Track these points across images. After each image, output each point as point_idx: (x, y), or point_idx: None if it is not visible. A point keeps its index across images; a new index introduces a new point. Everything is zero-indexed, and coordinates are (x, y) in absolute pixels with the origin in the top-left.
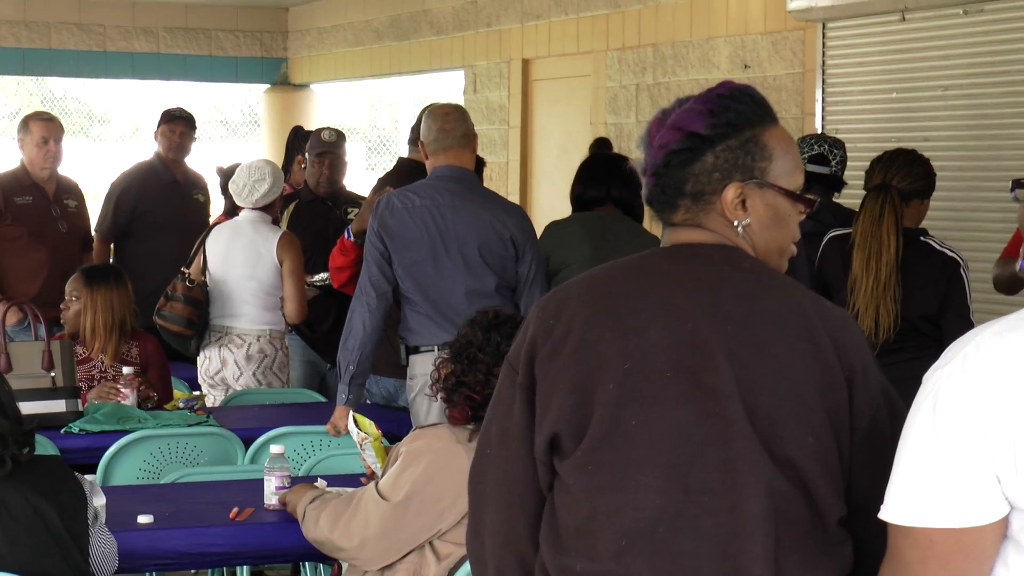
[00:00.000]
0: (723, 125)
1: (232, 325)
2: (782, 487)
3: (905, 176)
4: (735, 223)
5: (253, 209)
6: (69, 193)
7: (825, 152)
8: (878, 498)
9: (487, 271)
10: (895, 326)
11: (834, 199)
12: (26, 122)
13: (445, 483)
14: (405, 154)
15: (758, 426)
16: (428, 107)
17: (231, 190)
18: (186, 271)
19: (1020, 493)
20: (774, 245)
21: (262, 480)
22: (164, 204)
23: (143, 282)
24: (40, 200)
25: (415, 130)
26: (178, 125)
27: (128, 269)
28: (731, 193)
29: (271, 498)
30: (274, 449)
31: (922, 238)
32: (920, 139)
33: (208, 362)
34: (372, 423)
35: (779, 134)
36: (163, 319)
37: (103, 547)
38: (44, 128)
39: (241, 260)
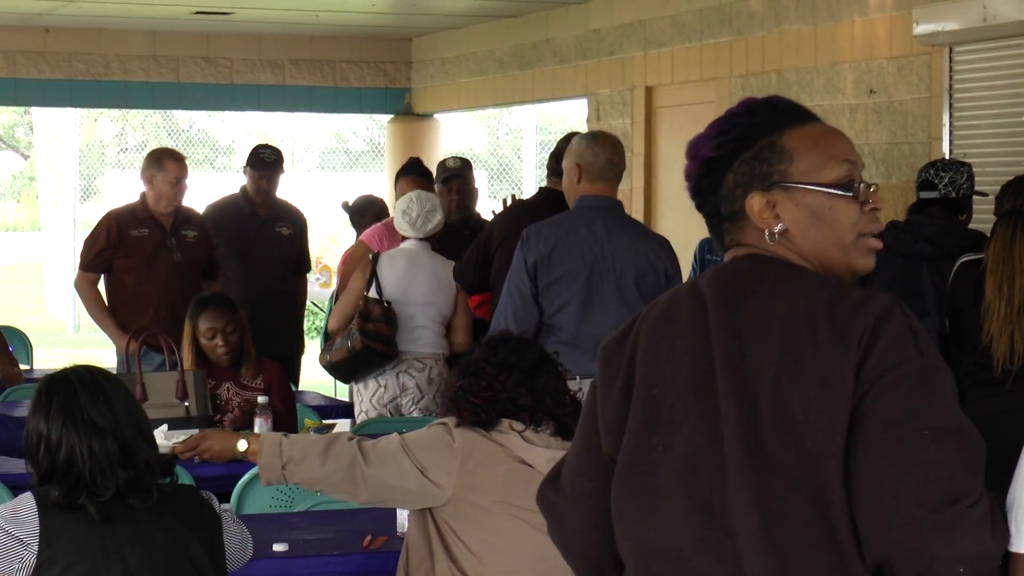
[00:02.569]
0: (731, 141)
1: (411, 349)
2: (795, 506)
3: None
4: (767, 233)
5: (420, 240)
6: (189, 223)
7: (931, 177)
8: (908, 503)
9: (640, 303)
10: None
11: (962, 220)
12: (160, 159)
13: (447, 461)
14: (530, 183)
15: (770, 444)
16: (585, 134)
17: (402, 220)
18: (369, 295)
19: None
20: (823, 243)
21: (393, 509)
22: (241, 237)
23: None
24: (156, 232)
25: (557, 158)
26: (266, 171)
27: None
28: (754, 204)
29: (403, 526)
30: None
31: None
32: None
33: (382, 389)
34: None
35: (803, 133)
36: (368, 337)
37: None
38: (178, 168)
39: (423, 286)
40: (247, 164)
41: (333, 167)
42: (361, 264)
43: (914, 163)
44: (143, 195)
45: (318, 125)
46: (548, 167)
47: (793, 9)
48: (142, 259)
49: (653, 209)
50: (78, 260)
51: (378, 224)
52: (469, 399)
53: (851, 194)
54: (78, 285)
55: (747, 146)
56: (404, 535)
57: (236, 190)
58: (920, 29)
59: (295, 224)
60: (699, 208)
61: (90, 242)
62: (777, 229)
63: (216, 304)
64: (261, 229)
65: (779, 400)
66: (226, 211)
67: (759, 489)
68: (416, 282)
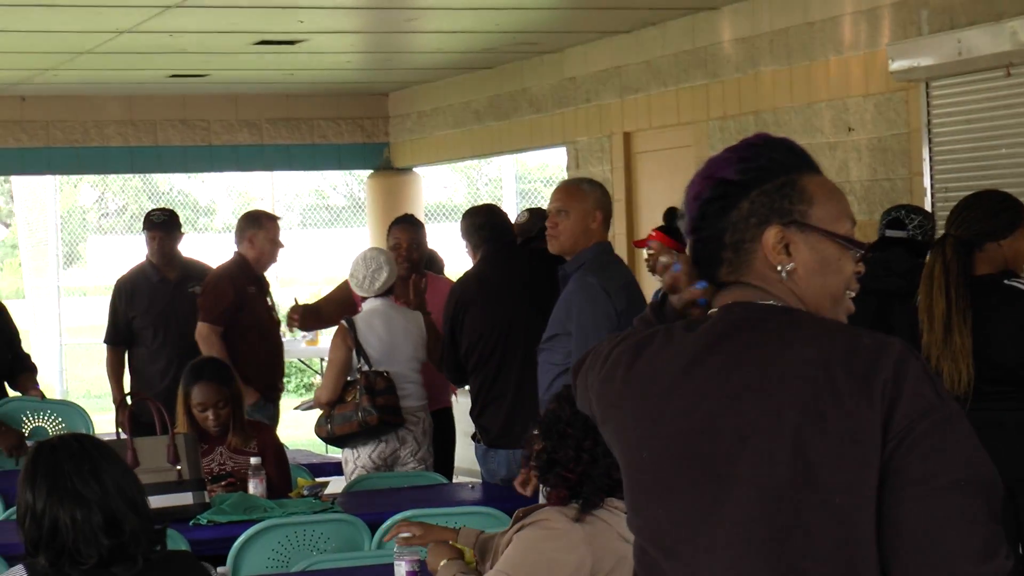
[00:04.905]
0: (755, 169)
1: (404, 406)
2: (817, 568)
3: (963, 221)
4: (779, 268)
5: (377, 297)
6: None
7: (901, 217)
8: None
9: None
10: (969, 379)
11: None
12: (259, 220)
13: (572, 566)
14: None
15: (772, 505)
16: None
17: (352, 283)
18: (362, 367)
19: None
20: (824, 292)
21: (391, 565)
22: (152, 304)
23: (152, 383)
24: (260, 290)
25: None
26: (156, 232)
27: (135, 372)
28: (772, 236)
29: None
30: (402, 534)
31: (1007, 281)
32: None
33: (383, 445)
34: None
35: (820, 181)
36: (383, 412)
37: None
38: (277, 228)
39: (405, 345)
40: (143, 229)
41: (315, 224)
42: (338, 332)
43: (895, 199)
44: (240, 255)
45: (298, 182)
46: (483, 233)
47: (768, 51)
48: (258, 317)
49: (636, 253)
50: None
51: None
52: (561, 473)
53: (861, 252)
54: (207, 339)
55: (769, 178)
56: None
57: (143, 259)
58: (896, 65)
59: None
60: (692, 232)
61: (213, 297)
62: (789, 267)
63: (209, 378)
64: (174, 293)
65: (804, 458)
66: (137, 282)
67: (777, 552)
68: (397, 343)
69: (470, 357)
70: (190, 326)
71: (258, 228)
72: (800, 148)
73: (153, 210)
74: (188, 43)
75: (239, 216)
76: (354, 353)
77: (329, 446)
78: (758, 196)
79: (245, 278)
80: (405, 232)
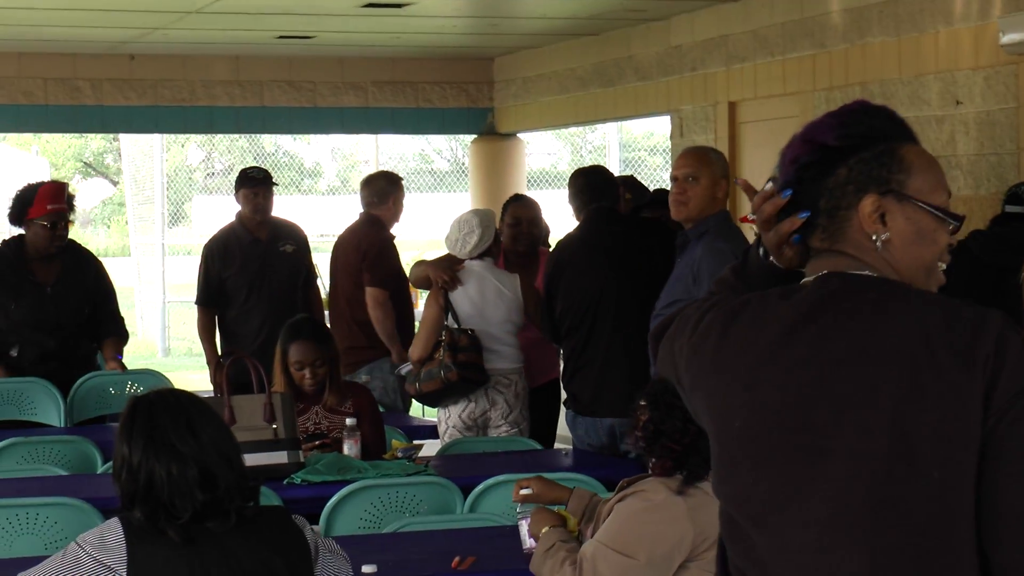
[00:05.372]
0: (855, 136)
1: (495, 367)
2: (914, 543)
3: None
4: (873, 237)
5: (473, 259)
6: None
7: (1021, 192)
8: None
9: None
10: None
11: None
12: (398, 182)
13: (674, 539)
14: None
15: (868, 478)
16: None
17: (447, 245)
18: (449, 324)
19: None
20: (919, 263)
21: (482, 528)
22: (246, 265)
23: (245, 343)
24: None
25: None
26: (259, 188)
27: (228, 332)
28: (868, 205)
29: (527, 542)
30: (523, 491)
31: None
32: None
33: (473, 404)
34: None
35: (919, 151)
36: (463, 369)
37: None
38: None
39: (497, 307)
40: (238, 188)
41: (419, 188)
42: (432, 292)
43: (1002, 174)
44: (378, 216)
45: (403, 146)
46: (618, 192)
47: (876, 21)
48: (405, 280)
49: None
50: (369, 277)
51: None
52: (665, 444)
53: (957, 223)
54: (384, 304)
55: (868, 145)
56: (530, 551)
57: (232, 220)
58: (1006, 38)
59: (297, 241)
60: (789, 190)
61: (381, 260)
62: (884, 237)
63: (307, 336)
64: (266, 253)
65: (902, 431)
66: (228, 242)
67: (871, 526)
68: (489, 304)
69: (564, 321)
70: (283, 285)
71: (399, 190)
72: (899, 117)
73: (249, 167)
74: (295, 4)
75: (368, 177)
76: (447, 313)
77: (425, 408)
78: (856, 163)
79: (391, 239)
80: (524, 209)
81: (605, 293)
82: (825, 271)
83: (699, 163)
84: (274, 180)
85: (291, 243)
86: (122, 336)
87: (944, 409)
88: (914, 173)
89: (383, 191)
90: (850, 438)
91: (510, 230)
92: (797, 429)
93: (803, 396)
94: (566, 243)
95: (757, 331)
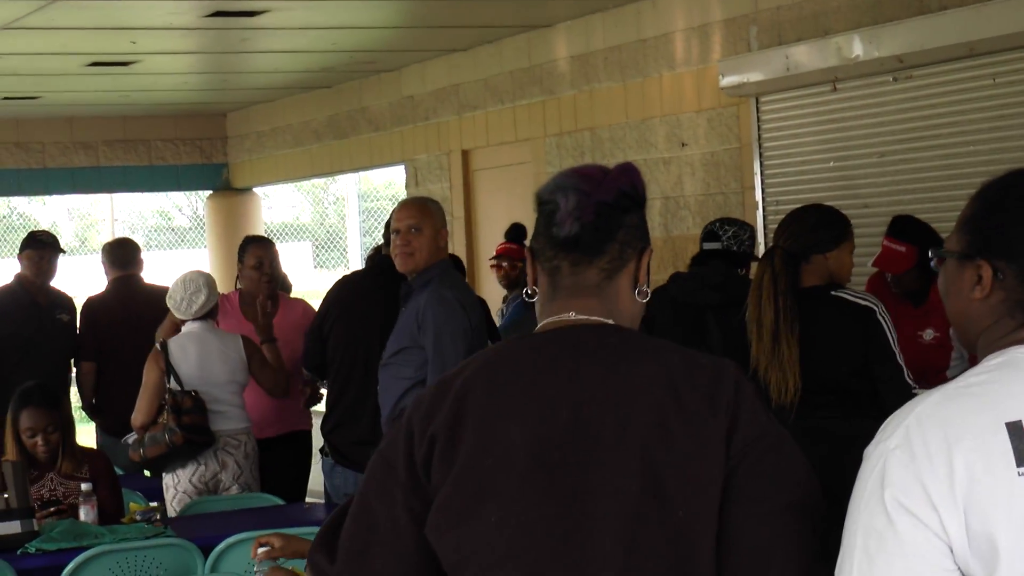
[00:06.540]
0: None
1: (222, 428)
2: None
3: (791, 234)
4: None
5: (195, 320)
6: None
7: (715, 229)
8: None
9: None
10: (796, 389)
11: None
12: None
13: None
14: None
15: (620, 516)
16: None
17: (170, 304)
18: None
19: (969, 561)
20: (639, 310)
21: None
22: (23, 326)
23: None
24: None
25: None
26: (45, 251)
27: None
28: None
29: None
30: (261, 549)
31: (833, 292)
32: (860, 205)
33: (203, 467)
34: None
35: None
36: (188, 431)
37: None
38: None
39: (220, 368)
40: (22, 248)
41: (159, 246)
42: (151, 355)
43: (728, 212)
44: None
45: (141, 204)
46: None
47: (602, 67)
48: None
49: (476, 268)
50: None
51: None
52: None
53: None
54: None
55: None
56: None
57: (11, 280)
58: (726, 81)
59: (71, 312)
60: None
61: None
62: (646, 288)
63: (38, 403)
64: (42, 317)
65: (651, 471)
66: (5, 302)
67: (625, 566)
68: (212, 365)
69: (331, 364)
70: (55, 353)
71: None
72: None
73: (38, 231)
74: (19, 65)
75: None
76: (169, 376)
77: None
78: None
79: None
80: (264, 249)
81: (361, 343)
82: (565, 316)
83: (421, 214)
84: (62, 248)
85: (66, 313)
86: None
87: (689, 450)
88: None
89: (133, 255)
90: (605, 478)
91: (254, 272)
92: (552, 468)
93: (554, 438)
94: (345, 283)
95: (504, 380)
